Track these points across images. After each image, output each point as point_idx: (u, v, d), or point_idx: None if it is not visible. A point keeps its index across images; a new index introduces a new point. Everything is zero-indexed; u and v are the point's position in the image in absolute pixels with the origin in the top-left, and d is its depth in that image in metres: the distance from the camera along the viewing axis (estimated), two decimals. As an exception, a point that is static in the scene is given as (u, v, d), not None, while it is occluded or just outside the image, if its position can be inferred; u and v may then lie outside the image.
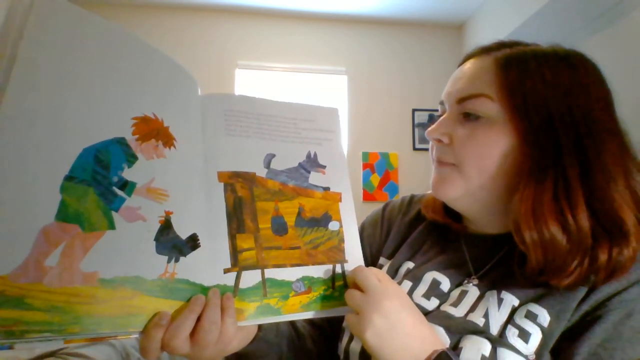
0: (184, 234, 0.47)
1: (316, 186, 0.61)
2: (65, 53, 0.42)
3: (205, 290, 0.47)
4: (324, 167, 0.62)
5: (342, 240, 0.60)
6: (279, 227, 0.55)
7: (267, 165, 0.58)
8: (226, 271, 0.49)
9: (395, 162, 3.13)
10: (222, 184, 0.53)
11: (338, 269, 0.58)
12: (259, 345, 0.53)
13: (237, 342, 0.48)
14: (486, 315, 0.49)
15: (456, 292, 0.54)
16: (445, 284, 0.57)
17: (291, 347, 0.60)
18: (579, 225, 0.44)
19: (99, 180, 0.42)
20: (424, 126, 3.17)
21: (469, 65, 0.54)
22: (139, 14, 3.11)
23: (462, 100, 0.51)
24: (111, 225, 0.41)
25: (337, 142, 0.65)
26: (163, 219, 0.45)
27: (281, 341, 0.58)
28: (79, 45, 0.43)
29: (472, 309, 0.51)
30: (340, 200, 0.62)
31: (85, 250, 0.39)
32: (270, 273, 0.52)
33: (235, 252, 0.51)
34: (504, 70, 0.49)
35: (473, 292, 0.53)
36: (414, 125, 3.18)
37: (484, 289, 0.52)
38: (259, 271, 0.52)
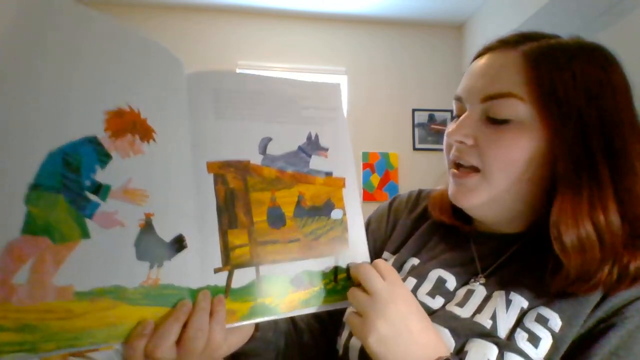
0: (168, 236, 0.44)
1: (318, 171, 0.56)
2: (24, 46, 0.37)
3: (193, 293, 0.44)
4: (327, 149, 0.57)
5: (345, 230, 0.55)
6: (276, 219, 0.52)
7: (263, 150, 0.53)
8: (217, 271, 0.47)
9: (395, 162, 3.14)
10: (211, 175, 0.49)
11: (341, 261, 0.54)
12: (256, 344, 0.52)
13: (229, 346, 0.47)
14: (494, 317, 0.46)
15: (462, 291, 0.52)
16: (451, 282, 0.54)
17: (289, 343, 0.59)
18: (613, 230, 0.43)
19: (69, 186, 0.38)
20: (424, 126, 3.20)
21: (490, 59, 0.49)
22: (139, 14, 3.04)
23: (488, 98, 0.47)
24: (85, 234, 0.39)
25: (341, 121, 0.58)
26: (143, 222, 0.42)
27: (279, 338, 0.56)
28: (39, 36, 0.38)
29: (479, 309, 0.48)
30: (343, 185, 0.56)
31: (58, 264, 0.37)
32: (266, 270, 0.49)
33: (226, 249, 0.48)
34: (533, 67, 0.45)
35: (480, 291, 0.50)
36: (414, 125, 3.19)
37: (491, 289, 0.50)
38: (253, 269, 0.49)
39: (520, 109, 0.46)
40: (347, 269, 0.54)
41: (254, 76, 0.55)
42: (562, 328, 0.43)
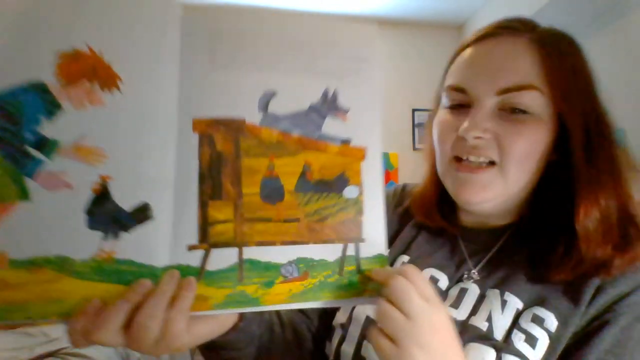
0: (129, 204, 0.37)
1: (332, 137, 0.44)
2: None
3: (158, 273, 0.38)
4: (346, 110, 0.45)
5: (360, 212, 0.44)
6: (272, 192, 0.42)
7: (264, 107, 0.43)
8: (191, 248, 0.39)
9: (395, 162, 3.08)
10: (197, 135, 0.41)
11: (351, 250, 0.44)
12: (238, 336, 0.44)
13: (196, 336, 0.40)
14: (489, 319, 0.45)
15: (455, 290, 0.50)
16: (443, 281, 0.52)
17: (273, 339, 0.51)
18: (620, 214, 0.45)
19: (6, 138, 0.33)
20: (424, 126, 2.85)
21: (498, 47, 0.47)
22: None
23: (506, 91, 0.45)
24: (24, 195, 0.33)
25: (372, 75, 0.45)
26: (98, 185, 0.36)
27: (263, 333, 0.48)
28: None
29: (474, 311, 0.47)
30: (363, 157, 0.44)
31: (-11, 227, 0.32)
32: (252, 252, 0.41)
33: (205, 224, 0.40)
34: (546, 57, 0.45)
35: (473, 290, 0.49)
36: (414, 125, 3.16)
37: (484, 287, 0.49)
38: (235, 250, 0.41)
39: (540, 101, 0.45)
40: (357, 261, 0.43)
41: (259, 12, 0.44)
42: (558, 328, 0.43)
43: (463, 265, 0.52)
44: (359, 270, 0.43)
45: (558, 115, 0.45)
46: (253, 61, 0.43)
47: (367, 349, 0.49)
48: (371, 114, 0.44)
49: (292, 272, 0.42)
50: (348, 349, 0.49)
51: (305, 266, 0.42)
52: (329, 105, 0.45)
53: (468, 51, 0.49)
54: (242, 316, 0.44)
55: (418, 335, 0.35)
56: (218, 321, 0.42)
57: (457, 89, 0.48)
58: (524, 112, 0.45)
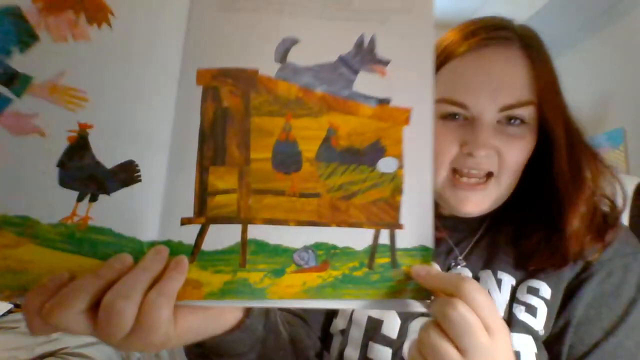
0: (111, 160, 0.31)
1: (366, 96, 0.36)
2: None
3: (140, 248, 0.31)
4: (386, 62, 0.36)
5: (398, 191, 0.35)
6: (287, 159, 0.34)
7: (282, 57, 0.35)
8: (184, 222, 0.32)
9: None
10: (200, 87, 0.34)
11: (384, 238, 0.34)
12: (241, 337, 0.35)
13: (184, 332, 0.31)
14: None
15: None
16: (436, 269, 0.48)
17: (277, 344, 0.41)
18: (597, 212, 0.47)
19: (-33, 69, 0.27)
20: None
21: (496, 62, 0.47)
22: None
23: (508, 108, 0.46)
24: (-17, 139, 0.28)
25: (421, 16, 0.36)
26: (75, 134, 0.30)
27: (268, 336, 0.39)
28: None
29: None
30: (407, 121, 0.35)
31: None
32: (259, 231, 0.33)
33: (204, 193, 0.33)
34: (535, 69, 0.47)
35: (466, 274, 0.50)
36: None
37: (475, 269, 0.51)
38: (238, 227, 0.33)
39: (532, 112, 0.46)
40: (393, 252, 0.34)
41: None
42: (552, 295, 0.46)
43: (451, 254, 0.53)
44: (394, 264, 0.34)
45: (541, 120, 0.47)
46: (272, 1, 0.36)
47: (375, 351, 0.46)
48: (420, 66, 0.35)
49: (308, 259, 0.33)
50: (352, 353, 0.45)
51: (325, 254, 0.33)
52: (364, 55, 0.36)
53: (463, 63, 0.48)
54: (247, 311, 0.36)
55: None
56: (213, 315, 0.33)
57: (459, 104, 0.47)
58: (520, 123, 0.47)
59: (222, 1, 0.36)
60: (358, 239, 0.34)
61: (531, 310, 0.45)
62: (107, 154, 0.31)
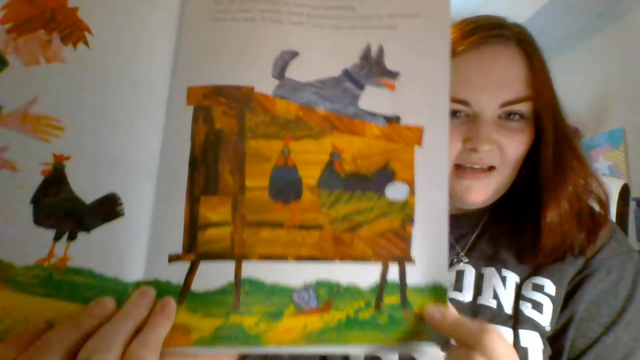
0: (91, 194, 0.28)
1: (374, 115, 0.32)
2: None
3: (124, 289, 0.28)
4: (395, 75, 0.32)
5: (410, 221, 0.31)
6: (285, 187, 0.31)
7: (280, 72, 0.32)
8: (172, 259, 0.29)
9: None
10: (191, 108, 0.31)
11: (394, 274, 0.31)
12: None
13: None
14: (496, 297, 0.47)
15: (451, 274, 0.50)
16: None
17: None
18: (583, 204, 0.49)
19: None
20: None
21: (494, 59, 0.49)
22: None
23: (507, 104, 0.47)
24: (-52, 176, 0.25)
25: (435, 25, 0.32)
26: (49, 168, 0.27)
27: None
28: None
29: (478, 291, 0.48)
30: (419, 141, 0.31)
31: None
32: (254, 269, 0.30)
33: (194, 226, 0.30)
34: (531, 65, 0.49)
35: (469, 270, 0.50)
36: None
37: (477, 265, 0.51)
38: (231, 264, 0.30)
39: (529, 107, 0.48)
40: (403, 290, 0.30)
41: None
42: (557, 292, 0.47)
43: (451, 251, 0.53)
44: (405, 304, 0.30)
45: (535, 114, 0.49)
46: (270, 11, 0.32)
47: None
48: (433, 79, 0.31)
49: (308, 300, 0.30)
50: None
51: (328, 293, 0.30)
52: (371, 68, 0.32)
53: (463, 61, 0.49)
54: (243, 356, 0.33)
55: None
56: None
57: (460, 102, 0.48)
58: (519, 118, 0.48)
59: (215, 11, 0.32)
60: (364, 275, 0.31)
61: (537, 306, 0.46)
62: (86, 187, 0.28)
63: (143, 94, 0.30)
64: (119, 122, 0.29)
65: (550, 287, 0.47)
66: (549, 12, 1.88)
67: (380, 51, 0.32)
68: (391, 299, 0.30)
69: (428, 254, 0.31)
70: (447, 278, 0.30)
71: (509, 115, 0.48)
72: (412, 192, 0.31)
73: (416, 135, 0.32)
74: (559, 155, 0.49)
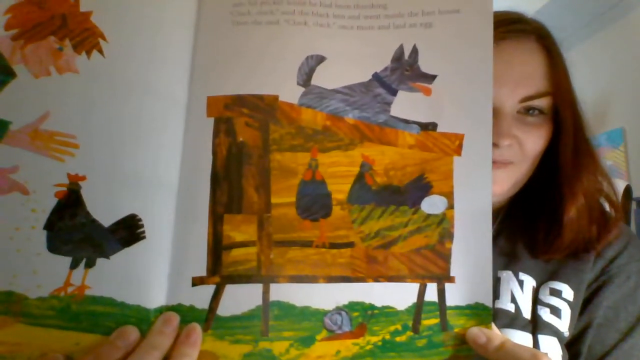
0: (108, 217, 0.26)
1: (406, 122, 0.30)
2: None
3: (148, 316, 0.26)
4: (432, 78, 0.29)
5: (448, 237, 0.29)
6: (314, 203, 0.29)
7: (306, 79, 0.30)
8: (197, 282, 0.27)
9: None
10: (211, 120, 0.29)
11: (432, 294, 0.29)
12: None
13: None
14: (514, 300, 0.46)
15: None
16: None
17: None
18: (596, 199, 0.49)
19: None
20: None
21: (516, 54, 0.48)
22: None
23: (528, 99, 0.46)
24: (-45, 202, 0.23)
25: (477, 18, 0.29)
26: (64, 189, 0.25)
27: None
28: None
29: (496, 294, 0.47)
30: (458, 150, 0.29)
31: None
32: (283, 292, 0.28)
33: (217, 247, 0.28)
34: (551, 61, 0.48)
35: None
36: None
37: (494, 269, 0.46)
38: (259, 287, 0.28)
39: (549, 102, 0.48)
40: (442, 312, 0.28)
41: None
42: (575, 297, 0.46)
43: None
44: (445, 327, 0.28)
45: (554, 110, 0.48)
46: (293, 13, 0.30)
47: None
48: (475, 80, 0.29)
49: (341, 323, 0.28)
50: None
51: (362, 315, 0.28)
52: (404, 71, 0.30)
53: None
54: None
55: None
56: None
57: None
58: (539, 113, 0.48)
59: (235, 13, 0.30)
60: (400, 296, 0.29)
61: (556, 312, 0.46)
62: (104, 210, 0.26)
63: (160, 106, 0.28)
64: (135, 138, 0.27)
65: (568, 292, 0.47)
66: (549, 12, 1.84)
67: (415, 52, 0.30)
68: (430, 321, 0.28)
69: (470, 273, 0.28)
70: (491, 298, 0.28)
71: (528, 110, 0.48)
72: (450, 205, 0.29)
73: (455, 144, 0.29)
74: (578, 150, 0.49)
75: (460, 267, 0.29)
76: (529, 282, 0.48)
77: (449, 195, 0.29)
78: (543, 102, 0.47)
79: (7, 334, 0.24)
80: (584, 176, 0.48)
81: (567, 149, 0.48)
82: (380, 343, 0.28)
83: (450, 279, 0.29)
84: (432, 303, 0.29)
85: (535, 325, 0.44)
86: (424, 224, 0.29)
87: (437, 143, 0.29)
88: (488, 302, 0.28)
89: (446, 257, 0.29)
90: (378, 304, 0.28)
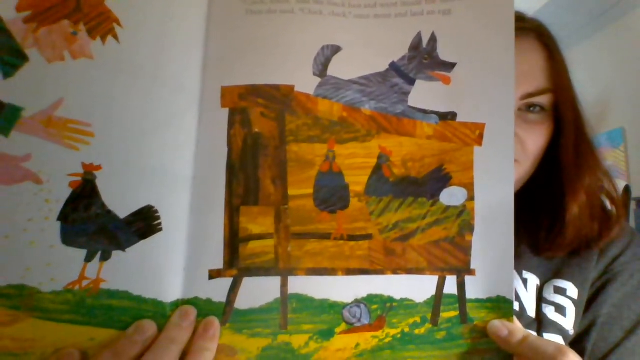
0: (124, 208, 0.25)
1: (425, 112, 0.29)
2: None
3: (165, 310, 0.26)
4: (452, 67, 0.29)
5: (468, 229, 0.29)
6: (331, 195, 0.28)
7: (322, 69, 0.29)
8: (214, 275, 0.27)
9: None
10: (226, 111, 0.28)
11: (451, 287, 0.28)
12: None
13: None
14: (518, 299, 0.45)
15: None
16: None
17: None
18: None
19: (-59, 106, 0.22)
20: None
21: (517, 51, 0.39)
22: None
23: (529, 96, 0.46)
24: (-34, 192, 0.22)
25: (497, 4, 0.29)
26: (79, 179, 0.24)
27: None
28: None
29: None
30: (479, 140, 0.29)
31: None
32: (302, 284, 0.27)
33: (234, 240, 0.27)
34: (551, 58, 0.49)
35: None
36: None
37: None
38: (277, 280, 0.27)
39: (550, 100, 0.48)
40: (463, 304, 0.28)
41: None
42: (579, 295, 0.46)
43: None
44: (465, 319, 0.28)
45: (555, 108, 0.48)
46: (308, 1, 0.29)
47: None
48: (497, 67, 0.29)
49: (360, 316, 0.28)
50: None
51: (381, 308, 0.28)
52: (422, 59, 0.29)
53: None
54: None
55: None
56: None
57: None
58: (540, 111, 0.48)
59: (248, 2, 0.29)
60: (419, 288, 0.28)
61: (560, 310, 0.46)
62: (119, 200, 0.25)
63: (174, 97, 0.27)
64: (150, 127, 0.26)
65: (572, 290, 0.47)
66: (548, 12, 1.85)
67: (433, 40, 0.29)
68: (449, 314, 0.28)
69: (490, 265, 0.28)
70: (513, 291, 0.28)
71: (529, 108, 0.48)
72: (471, 197, 0.29)
73: (476, 133, 0.29)
74: (579, 148, 0.49)
75: (481, 259, 0.28)
76: (533, 280, 0.48)
77: (469, 187, 0.29)
78: (544, 99, 0.47)
79: (19, 329, 0.23)
80: (585, 173, 0.48)
81: (568, 146, 0.48)
82: (399, 336, 0.28)
83: (471, 272, 0.28)
84: (451, 296, 0.28)
85: (540, 324, 0.44)
86: (442, 216, 0.29)
87: (456, 133, 0.29)
88: (510, 296, 0.28)
89: (466, 250, 0.29)
90: (397, 296, 0.28)
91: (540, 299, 0.47)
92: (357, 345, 0.27)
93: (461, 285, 0.28)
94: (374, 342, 0.28)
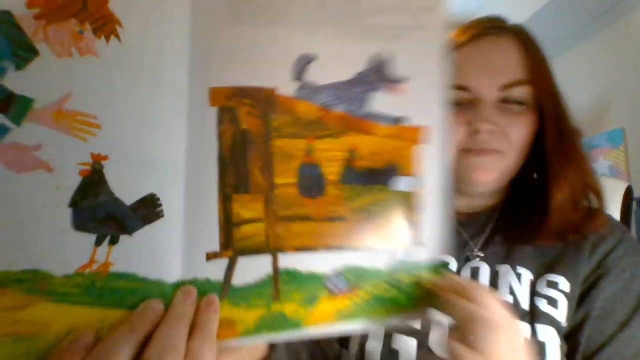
0: (129, 195, 0.27)
1: (383, 115, 0.36)
2: None
3: (168, 289, 0.28)
4: (404, 80, 0.36)
5: (411, 209, 0.36)
6: (312, 183, 0.33)
7: (300, 74, 0.34)
8: (210, 257, 0.30)
9: None
10: (215, 109, 0.31)
11: (403, 255, 0.35)
12: None
13: None
14: (512, 292, 0.48)
15: (466, 271, 0.52)
16: (452, 264, 0.52)
17: None
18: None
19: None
20: None
21: (490, 47, 0.52)
22: None
23: (505, 87, 0.50)
24: (-24, 179, 0.23)
25: (434, 32, 0.37)
26: (88, 168, 0.25)
27: None
28: None
29: (494, 287, 0.50)
30: (417, 140, 0.36)
31: None
32: (289, 260, 0.32)
33: (228, 224, 0.31)
34: (529, 53, 0.51)
35: (484, 268, 0.52)
36: None
37: (492, 264, 0.52)
38: (269, 258, 0.31)
39: (529, 92, 0.50)
40: (412, 270, 0.35)
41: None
42: (571, 289, 0.48)
43: (466, 247, 0.55)
44: (417, 280, 0.35)
45: (536, 102, 0.51)
46: (287, 17, 0.34)
47: (399, 342, 0.47)
48: (433, 84, 0.36)
49: (339, 284, 0.33)
50: (375, 345, 0.47)
51: (355, 276, 0.33)
52: (380, 73, 0.36)
53: (461, 52, 0.52)
54: (271, 345, 0.35)
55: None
56: (246, 354, 0.32)
57: (461, 88, 0.50)
58: (519, 103, 0.50)
59: (232, 14, 0.33)
60: (384, 259, 0.34)
61: (552, 302, 0.47)
62: (124, 189, 0.27)
63: (167, 92, 0.30)
64: (147, 121, 0.28)
65: (564, 284, 0.48)
66: (548, 13, 1.84)
67: (388, 60, 0.36)
68: (404, 278, 0.35)
69: (434, 237, 0.36)
70: (449, 257, 0.35)
71: (509, 100, 0.50)
72: (417, 184, 0.36)
73: (416, 134, 0.36)
74: (561, 138, 0.50)
75: (424, 234, 0.36)
76: (527, 275, 0.49)
77: (415, 176, 0.36)
78: (522, 91, 0.49)
79: (34, 312, 0.24)
80: (568, 162, 0.50)
81: (550, 136, 0.50)
82: (369, 298, 0.33)
83: (419, 244, 0.35)
84: (406, 263, 0.35)
85: (533, 315, 0.46)
86: (395, 200, 0.35)
87: (405, 134, 0.36)
88: (448, 259, 0.36)
89: (413, 228, 0.36)
90: (367, 266, 0.34)
91: (534, 293, 0.48)
92: (337, 307, 0.32)
93: (411, 255, 0.35)
94: (351, 306, 0.33)
